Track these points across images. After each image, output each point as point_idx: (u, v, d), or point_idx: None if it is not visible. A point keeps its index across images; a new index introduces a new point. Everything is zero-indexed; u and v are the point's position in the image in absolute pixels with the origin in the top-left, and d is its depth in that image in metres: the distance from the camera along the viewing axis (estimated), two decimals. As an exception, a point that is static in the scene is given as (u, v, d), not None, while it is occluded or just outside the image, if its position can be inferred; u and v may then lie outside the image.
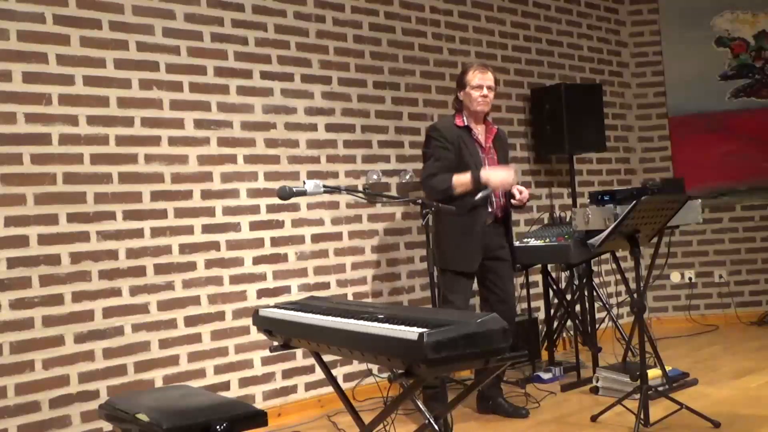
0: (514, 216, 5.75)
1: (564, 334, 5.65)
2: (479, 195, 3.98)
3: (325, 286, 4.69)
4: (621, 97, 6.71)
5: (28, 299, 3.62)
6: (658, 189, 4.33)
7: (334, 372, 4.10)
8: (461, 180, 4.01)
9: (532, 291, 5.40)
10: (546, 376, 4.91)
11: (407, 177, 4.99)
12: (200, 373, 4.14)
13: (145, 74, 4.03)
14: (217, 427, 2.67)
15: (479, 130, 4.20)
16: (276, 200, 3.30)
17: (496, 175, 4.02)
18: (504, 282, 4.20)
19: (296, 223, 4.59)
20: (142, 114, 4.02)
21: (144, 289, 3.98)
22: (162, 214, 4.06)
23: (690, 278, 6.64)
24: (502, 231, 4.22)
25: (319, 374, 4.41)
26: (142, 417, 2.76)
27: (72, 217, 3.76)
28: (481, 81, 4.11)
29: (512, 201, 4.13)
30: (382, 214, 4.94)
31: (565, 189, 6.09)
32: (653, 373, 4.24)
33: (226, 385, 4.24)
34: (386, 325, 2.43)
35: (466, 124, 4.15)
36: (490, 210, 4.13)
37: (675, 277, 6.65)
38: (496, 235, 4.17)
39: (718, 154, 6.55)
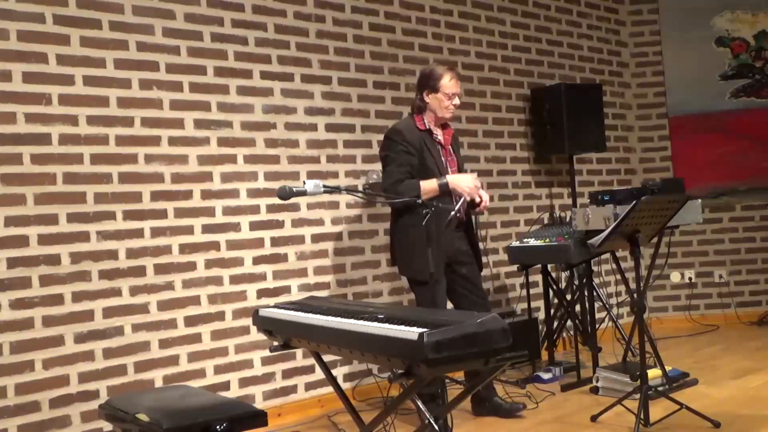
0: (514, 216, 5.77)
1: (564, 334, 5.66)
2: (457, 205, 3.91)
3: (325, 286, 4.69)
4: (621, 97, 6.72)
5: (28, 299, 3.62)
6: (658, 189, 4.33)
7: (334, 372, 4.12)
8: (429, 187, 3.92)
9: (532, 291, 5.40)
10: (546, 376, 4.91)
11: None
12: (200, 373, 4.14)
13: (145, 74, 4.03)
14: (217, 427, 2.67)
15: (439, 133, 4.10)
16: (276, 200, 3.29)
17: (463, 183, 3.95)
18: (475, 285, 4.14)
19: (296, 223, 4.59)
20: (142, 114, 4.02)
21: (144, 289, 3.98)
22: (162, 214, 4.06)
23: (690, 278, 6.64)
24: (463, 235, 4.14)
25: (319, 374, 4.41)
26: (142, 417, 2.76)
27: (72, 217, 3.76)
28: (456, 89, 4.02)
29: (476, 209, 4.09)
30: (382, 214, 4.93)
31: (565, 189, 6.09)
32: (653, 373, 4.24)
33: (226, 385, 4.24)
34: (386, 325, 2.43)
35: (427, 127, 4.05)
36: (457, 215, 4.03)
37: (675, 277, 6.65)
38: (458, 240, 4.10)
39: (718, 154, 6.55)
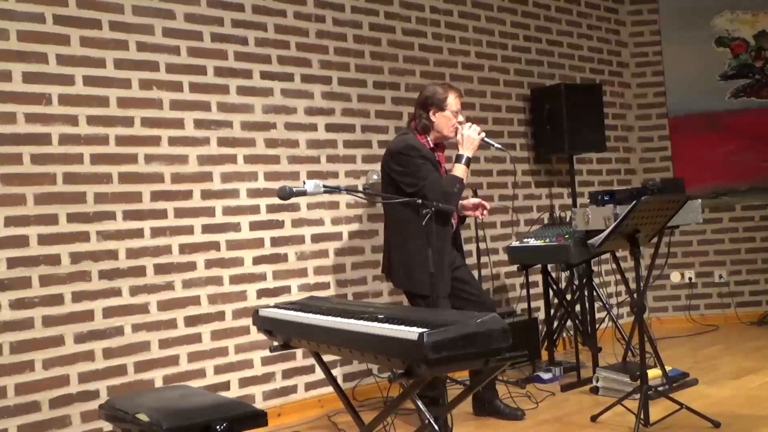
0: (514, 216, 5.77)
1: (564, 334, 5.65)
2: (496, 146, 4.03)
3: (325, 286, 4.69)
4: (621, 97, 6.72)
5: (28, 299, 3.62)
6: (658, 189, 4.33)
7: (334, 372, 4.12)
8: (461, 172, 3.92)
9: (532, 291, 5.40)
10: (546, 376, 4.91)
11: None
12: (200, 373, 4.14)
13: (145, 74, 4.04)
14: (217, 427, 2.67)
15: (438, 155, 4.06)
16: (276, 200, 3.29)
17: (472, 138, 3.95)
18: (471, 285, 4.11)
19: (296, 223, 4.59)
20: (142, 114, 4.02)
21: (144, 289, 3.98)
22: (162, 214, 4.06)
23: (690, 278, 6.64)
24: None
25: (319, 374, 4.41)
26: (142, 417, 2.76)
27: (72, 217, 3.76)
28: (459, 106, 4.00)
29: (484, 213, 4.09)
30: (382, 215, 4.92)
31: (565, 189, 6.09)
32: (653, 373, 4.24)
33: (226, 385, 4.24)
34: (386, 325, 2.43)
35: (431, 146, 4.02)
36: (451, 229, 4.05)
37: (675, 277, 6.65)
38: (450, 249, 4.08)
39: (718, 154, 6.55)
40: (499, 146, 4.09)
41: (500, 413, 4.16)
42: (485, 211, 4.10)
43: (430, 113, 4.00)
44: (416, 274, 3.81)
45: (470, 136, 3.96)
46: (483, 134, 4.00)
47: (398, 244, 3.99)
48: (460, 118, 4.02)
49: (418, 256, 3.68)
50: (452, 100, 4.00)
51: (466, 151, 3.96)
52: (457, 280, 4.05)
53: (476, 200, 4.13)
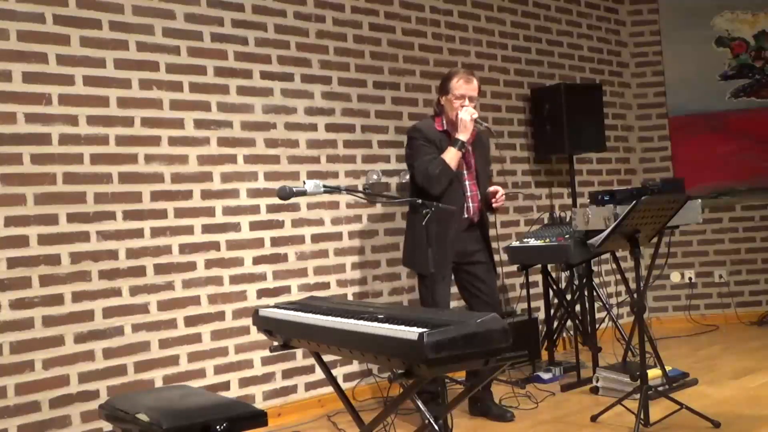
0: (514, 216, 5.77)
1: (564, 334, 5.65)
2: (483, 125, 4.04)
3: (325, 286, 4.69)
4: (621, 97, 6.72)
5: (28, 299, 3.62)
6: (658, 189, 4.33)
7: (334, 372, 4.12)
8: (451, 155, 3.97)
9: (532, 291, 5.40)
10: (546, 376, 4.91)
11: (407, 177, 4.98)
12: (200, 373, 4.14)
13: (145, 74, 4.04)
14: (217, 427, 2.67)
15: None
16: (276, 200, 3.29)
17: (465, 122, 3.97)
18: (486, 284, 4.15)
19: (296, 223, 4.59)
20: (142, 114, 4.02)
21: (144, 289, 3.98)
22: (162, 214, 4.06)
23: (690, 278, 6.64)
24: (478, 235, 4.16)
25: (319, 374, 4.41)
26: (142, 417, 2.76)
27: (72, 217, 3.76)
28: (464, 91, 4.03)
29: (493, 205, 4.11)
30: (382, 214, 4.94)
31: (565, 189, 6.09)
32: (653, 373, 4.24)
33: (226, 385, 4.24)
34: (386, 325, 2.43)
35: (445, 128, 4.10)
36: (465, 216, 4.09)
37: (675, 277, 6.65)
38: (471, 240, 4.13)
39: (718, 154, 6.55)
40: (486, 126, 4.07)
41: (489, 413, 4.15)
42: (498, 197, 4.11)
43: (441, 98, 4.14)
44: (417, 255, 3.97)
45: (463, 119, 4.00)
46: (475, 116, 4.02)
47: (409, 225, 4.22)
48: (466, 102, 4.05)
49: (421, 238, 3.72)
50: (455, 84, 4.05)
51: (461, 135, 4.01)
52: (472, 275, 4.13)
53: (495, 188, 4.14)
